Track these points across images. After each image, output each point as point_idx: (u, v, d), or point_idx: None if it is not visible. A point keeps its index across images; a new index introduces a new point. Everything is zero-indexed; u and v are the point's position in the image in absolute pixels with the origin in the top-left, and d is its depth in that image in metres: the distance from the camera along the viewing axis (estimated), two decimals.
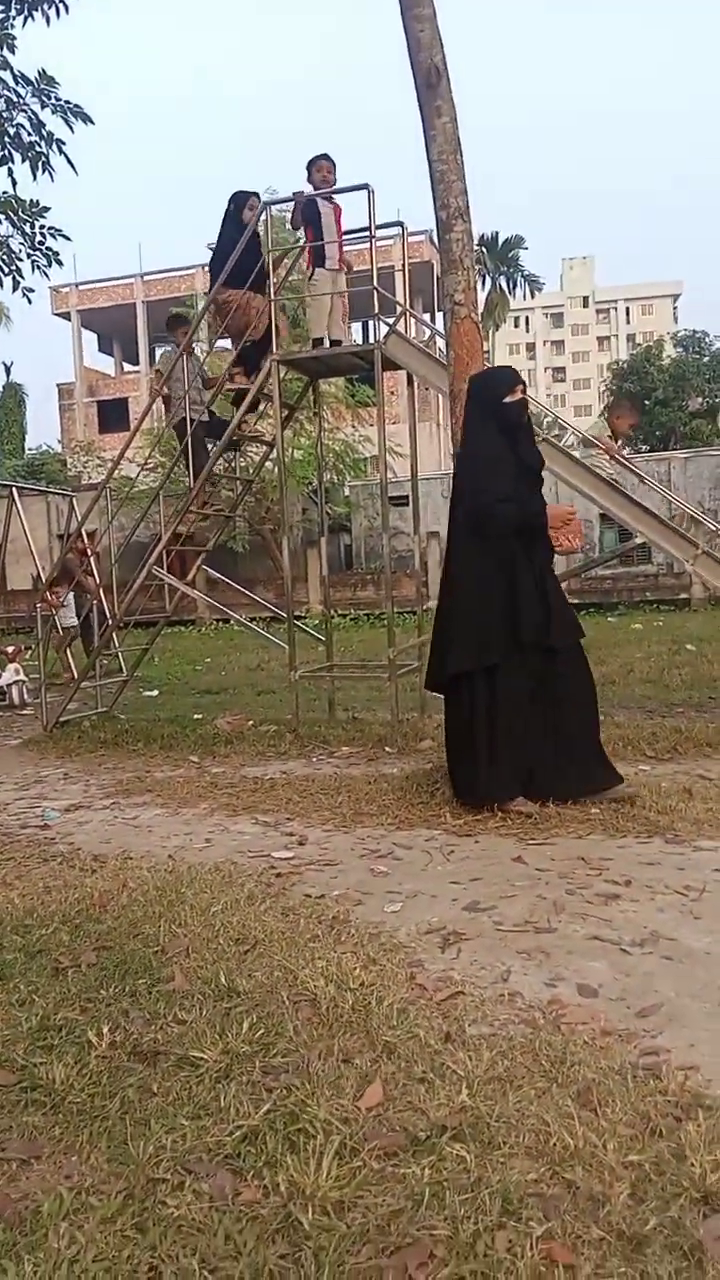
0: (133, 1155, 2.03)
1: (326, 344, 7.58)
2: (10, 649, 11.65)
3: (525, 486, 4.83)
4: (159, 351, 44.20)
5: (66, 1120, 2.20)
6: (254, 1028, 2.56)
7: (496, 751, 4.72)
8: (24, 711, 10.49)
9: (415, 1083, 2.27)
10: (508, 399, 4.87)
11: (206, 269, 38.87)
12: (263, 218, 7.83)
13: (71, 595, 11.17)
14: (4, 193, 9.82)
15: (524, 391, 5.03)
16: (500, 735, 4.71)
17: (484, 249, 45.83)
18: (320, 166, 7.44)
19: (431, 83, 5.65)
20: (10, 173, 9.77)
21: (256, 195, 7.76)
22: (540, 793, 4.75)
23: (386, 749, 6.80)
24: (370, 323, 8.90)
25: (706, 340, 42.25)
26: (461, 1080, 2.26)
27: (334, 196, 7.52)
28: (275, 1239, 1.78)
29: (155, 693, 11.08)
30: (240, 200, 7.67)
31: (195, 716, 8.68)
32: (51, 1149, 2.11)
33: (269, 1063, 2.39)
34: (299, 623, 8.49)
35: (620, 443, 7.35)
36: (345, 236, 7.69)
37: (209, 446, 8.27)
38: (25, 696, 10.89)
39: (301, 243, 8.06)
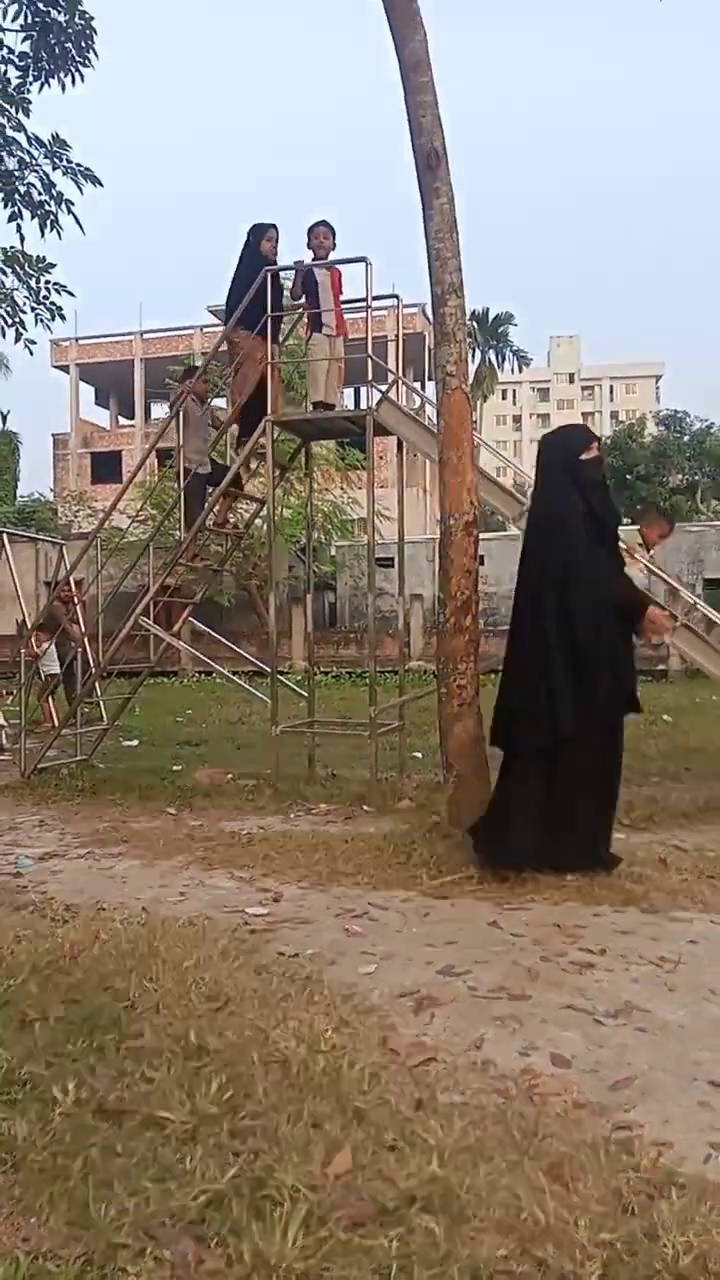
0: (94, 1218, 1.98)
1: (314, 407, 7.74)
2: None
3: (605, 545, 4.82)
4: (155, 408, 44.63)
5: (27, 1179, 2.14)
6: (223, 1088, 2.51)
7: (543, 820, 4.60)
8: (1, 757, 10.37)
9: (385, 1151, 2.23)
10: (584, 456, 4.87)
11: (203, 330, 39.22)
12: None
13: (53, 644, 11.11)
14: (11, 248, 10.07)
15: (599, 448, 5.02)
16: (559, 805, 4.60)
17: (475, 323, 47.12)
18: (318, 232, 7.66)
19: (431, 165, 5.88)
20: (19, 229, 10.05)
21: (275, 227, 7.83)
22: (547, 860, 4.68)
23: (365, 808, 6.76)
24: (363, 389, 9.12)
25: (687, 420, 43.36)
26: (432, 1150, 2.22)
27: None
28: None
29: (135, 743, 11.00)
30: (259, 232, 7.74)
31: (174, 768, 8.62)
32: (10, 1209, 2.05)
33: (237, 1125, 2.35)
34: (282, 678, 8.50)
35: (651, 553, 7.42)
36: (342, 305, 7.90)
37: (208, 495, 8.32)
38: (4, 742, 10.77)
39: (299, 308, 8.28)
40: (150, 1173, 2.15)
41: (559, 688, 4.55)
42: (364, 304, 7.45)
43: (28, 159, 9.93)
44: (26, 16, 9.32)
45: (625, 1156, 2.22)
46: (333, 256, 7.71)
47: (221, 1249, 1.89)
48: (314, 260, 7.64)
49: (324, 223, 7.71)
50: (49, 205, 9.96)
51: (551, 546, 4.76)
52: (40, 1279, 1.82)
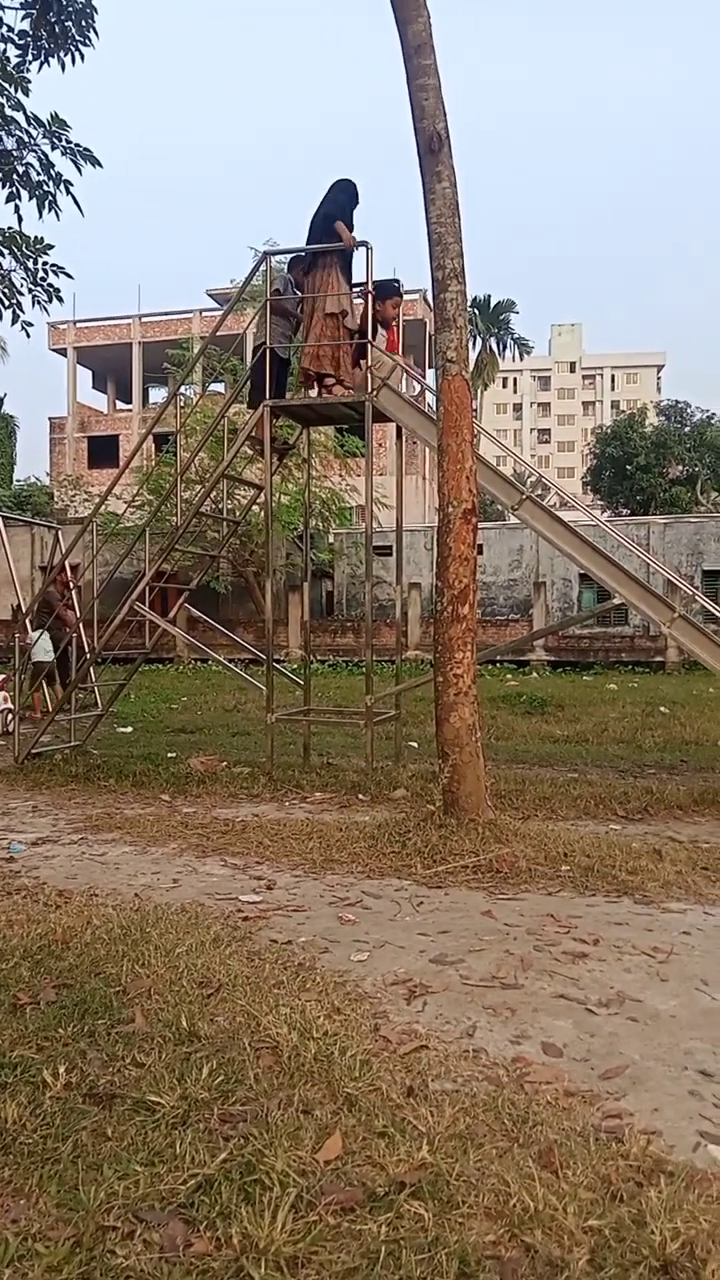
0: (83, 1201, 1.98)
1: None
2: (0, 678, 11.54)
3: None
4: (153, 392, 44.29)
5: (16, 1161, 2.14)
6: (214, 1074, 2.51)
7: None
8: None
9: (375, 1137, 2.23)
10: None
11: (203, 314, 38.88)
12: (261, 268, 8.05)
13: (45, 632, 10.98)
14: (9, 228, 9.99)
15: None
16: None
17: (476, 310, 46.85)
18: (393, 301, 7.69)
19: (433, 149, 5.84)
20: (17, 209, 9.96)
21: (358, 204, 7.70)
22: None
23: (359, 796, 6.77)
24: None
25: (688, 410, 43.20)
26: (422, 1136, 2.22)
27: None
28: None
29: (129, 729, 10.99)
30: (352, 192, 7.57)
31: (169, 755, 8.61)
32: None
33: (227, 1110, 2.35)
34: (278, 666, 8.49)
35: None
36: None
37: (287, 380, 8.12)
38: (9, 726, 10.75)
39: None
40: (140, 1156, 2.15)
41: None
42: (364, 288, 7.41)
43: (26, 138, 9.83)
44: None
45: (615, 1144, 2.23)
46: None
47: (210, 1232, 1.90)
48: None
49: (398, 291, 7.79)
50: (47, 186, 9.87)
51: None
52: (29, 1260, 1.82)
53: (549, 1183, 2.05)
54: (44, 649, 10.91)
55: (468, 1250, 1.83)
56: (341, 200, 7.51)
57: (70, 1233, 1.89)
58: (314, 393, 7.85)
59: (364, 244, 7.38)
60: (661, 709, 12.42)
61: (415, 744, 9.15)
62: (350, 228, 7.47)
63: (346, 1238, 1.88)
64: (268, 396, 7.65)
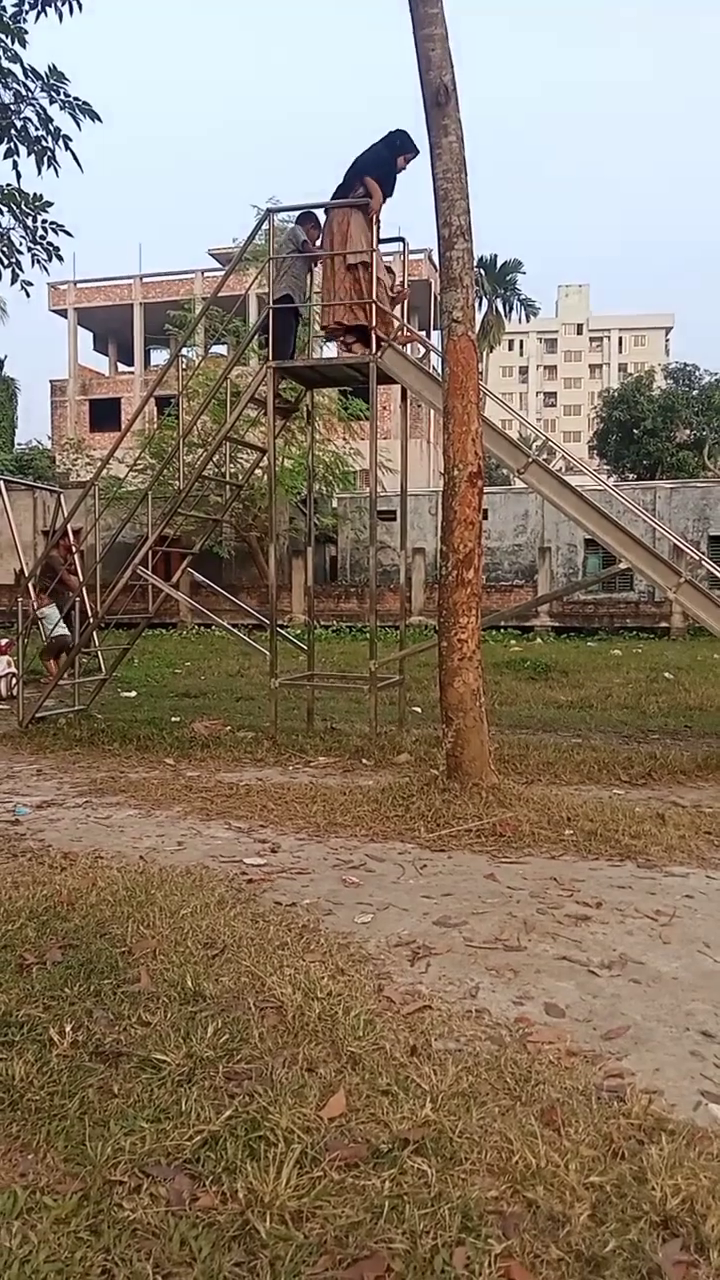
0: (90, 1156, 2.01)
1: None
2: (3, 641, 11.53)
3: None
4: (154, 354, 43.79)
5: (24, 1118, 2.17)
6: (219, 1033, 2.53)
7: None
8: (0, 705, 10.39)
9: (379, 1095, 2.25)
10: None
11: (205, 274, 38.28)
12: (264, 227, 7.91)
13: (55, 606, 10.91)
14: (7, 185, 9.80)
15: None
16: None
17: (482, 270, 46.14)
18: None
19: (440, 101, 5.69)
20: (15, 165, 9.76)
21: (418, 153, 7.30)
22: None
23: (363, 761, 6.79)
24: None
25: (696, 374, 42.67)
26: (426, 1094, 2.25)
27: None
28: (231, 1246, 1.76)
29: (133, 694, 11.02)
30: (407, 144, 7.29)
31: (173, 719, 8.64)
32: (7, 1146, 2.08)
33: (232, 1068, 2.37)
34: (281, 631, 8.48)
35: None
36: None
37: (294, 332, 8.09)
38: (13, 690, 10.75)
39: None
40: (146, 1113, 2.18)
41: None
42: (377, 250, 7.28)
43: (24, 92, 9.61)
44: None
45: (616, 1103, 2.25)
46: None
47: (216, 1187, 1.92)
48: None
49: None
50: (46, 141, 9.67)
51: None
52: (37, 1212, 1.85)
53: (551, 1140, 2.07)
54: (56, 620, 10.86)
55: (470, 1205, 1.85)
56: (382, 155, 7.32)
57: (78, 1187, 1.92)
58: (336, 350, 7.78)
59: (365, 203, 7.21)
60: (666, 675, 12.41)
61: (419, 709, 9.16)
62: (390, 181, 7.31)
63: (350, 1192, 1.90)
64: (271, 356, 7.56)
